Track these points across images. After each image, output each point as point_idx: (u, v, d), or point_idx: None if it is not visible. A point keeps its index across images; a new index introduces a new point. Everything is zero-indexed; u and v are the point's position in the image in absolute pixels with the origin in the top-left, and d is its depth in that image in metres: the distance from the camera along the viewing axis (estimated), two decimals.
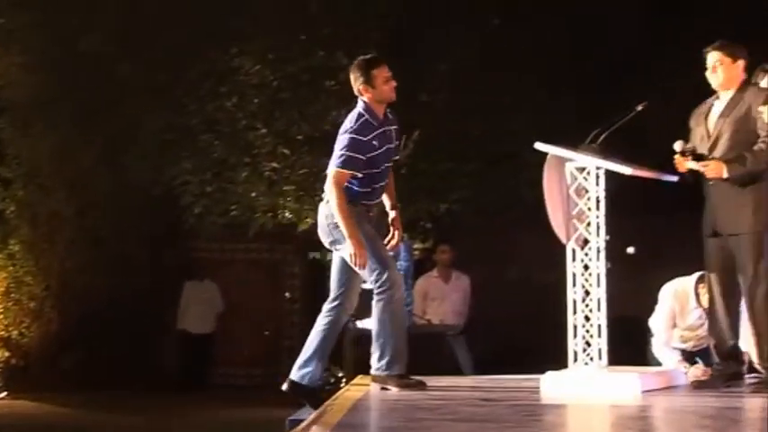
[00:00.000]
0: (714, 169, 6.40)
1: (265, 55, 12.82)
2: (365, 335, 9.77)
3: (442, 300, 11.19)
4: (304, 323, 14.82)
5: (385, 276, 6.67)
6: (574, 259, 6.79)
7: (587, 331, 6.73)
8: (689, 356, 7.77)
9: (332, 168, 6.69)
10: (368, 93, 6.75)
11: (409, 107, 13.03)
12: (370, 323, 9.84)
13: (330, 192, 6.66)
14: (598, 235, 6.73)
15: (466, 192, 13.08)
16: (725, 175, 6.36)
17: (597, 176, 6.71)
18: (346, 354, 10.65)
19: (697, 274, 7.50)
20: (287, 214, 13.22)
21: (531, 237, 9.16)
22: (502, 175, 12.79)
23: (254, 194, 13.09)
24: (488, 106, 12.84)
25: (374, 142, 6.69)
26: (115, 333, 14.99)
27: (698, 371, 7.36)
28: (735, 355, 6.55)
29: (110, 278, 15.19)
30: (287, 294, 16.32)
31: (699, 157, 6.49)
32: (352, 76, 6.85)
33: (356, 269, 6.74)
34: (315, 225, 13.36)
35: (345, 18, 12.44)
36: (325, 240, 6.91)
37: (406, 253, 11.01)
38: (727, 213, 6.41)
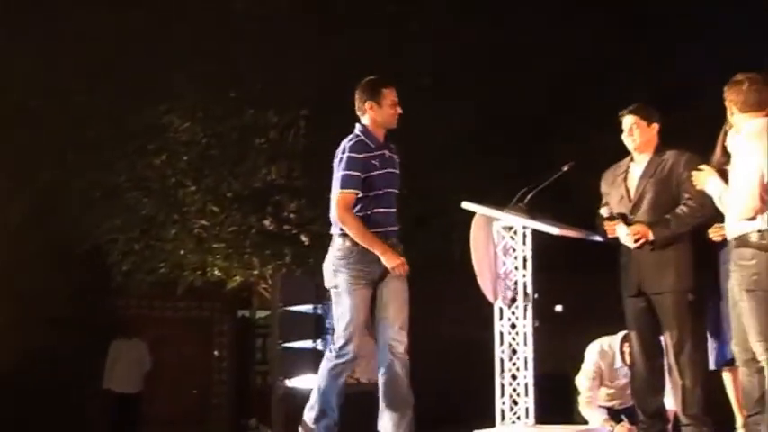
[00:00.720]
0: (642, 233, 6.46)
1: (195, 112, 12.80)
2: (293, 393, 9.76)
3: (370, 358, 11.14)
4: (232, 381, 14.74)
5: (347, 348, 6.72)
6: (501, 318, 6.83)
7: (514, 390, 6.76)
8: (615, 414, 7.82)
9: (335, 195, 6.37)
10: (372, 111, 6.47)
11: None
12: (298, 381, 9.85)
13: (342, 219, 6.33)
14: (525, 293, 6.79)
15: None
16: (651, 237, 6.44)
17: (524, 236, 6.78)
18: (274, 411, 10.59)
19: (622, 333, 7.56)
20: (216, 272, 13.16)
21: (460, 295, 9.20)
22: (430, 233, 12.84)
23: (182, 252, 13.01)
24: (416, 165, 12.91)
25: (374, 162, 6.38)
26: (43, 392, 14.75)
27: (623, 429, 7.43)
28: (659, 413, 6.60)
29: (37, 336, 14.98)
30: (215, 352, 16.20)
31: (625, 220, 6.58)
32: (358, 94, 6.57)
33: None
34: (243, 283, 13.48)
35: (274, 77, 12.46)
36: (327, 282, 6.60)
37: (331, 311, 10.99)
38: (650, 273, 6.48)
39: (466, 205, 6.84)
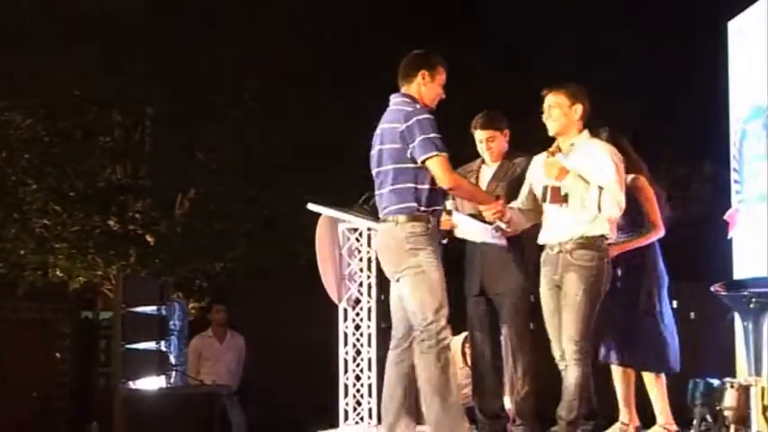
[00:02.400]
0: (501, 210, 6.37)
1: (37, 110, 12.52)
2: (137, 396, 9.62)
3: (216, 360, 11.08)
4: (74, 384, 14.44)
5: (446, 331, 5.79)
6: (345, 319, 6.87)
7: (358, 390, 6.81)
8: None
9: (434, 159, 5.65)
10: (423, 81, 5.88)
11: (186, 166, 13.02)
12: (142, 383, 9.71)
13: (453, 182, 5.75)
14: (370, 295, 6.84)
15: (241, 251, 13.09)
16: (507, 216, 6.34)
17: (369, 237, 6.83)
18: (116, 414, 10.41)
19: (464, 334, 7.68)
20: (58, 272, 12.91)
21: (307, 296, 9.21)
22: (278, 235, 12.84)
23: (22, 252, 12.72)
24: (265, 167, 12.91)
25: None
26: None
27: None
28: (498, 414, 6.69)
29: None
30: (57, 354, 15.84)
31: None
32: (412, 60, 5.96)
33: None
34: (87, 284, 13.23)
35: (121, 76, 12.28)
36: (397, 267, 5.78)
37: (180, 312, 10.89)
38: (492, 274, 6.56)
39: (311, 207, 6.85)
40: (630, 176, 6.36)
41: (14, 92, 12.41)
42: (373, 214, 6.77)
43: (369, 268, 6.85)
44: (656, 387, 6.53)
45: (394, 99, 5.93)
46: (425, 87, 5.91)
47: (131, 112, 12.85)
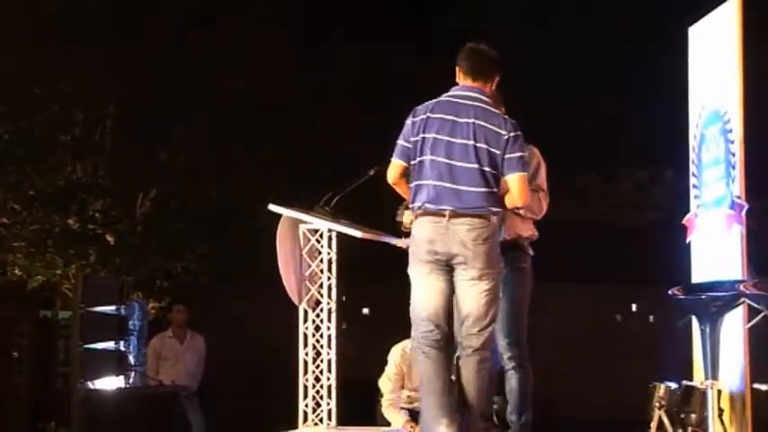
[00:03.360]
0: None
1: None
2: (95, 395, 9.58)
3: (176, 360, 11.04)
4: (32, 384, 14.35)
5: None
6: (305, 320, 6.87)
7: (317, 392, 6.81)
8: (416, 416, 7.94)
9: (521, 174, 5.63)
10: (495, 85, 5.83)
11: (148, 166, 12.97)
12: (100, 383, 9.67)
13: (530, 200, 5.80)
14: (330, 296, 6.84)
15: (201, 251, 13.07)
16: None
17: (330, 238, 6.83)
18: (74, 414, 10.37)
19: None
20: (16, 271, 12.83)
21: (267, 297, 9.20)
22: (239, 235, 12.83)
23: None
24: (226, 167, 12.90)
25: None
26: None
27: None
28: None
29: None
30: (15, 354, 15.73)
31: None
32: (494, 61, 5.82)
33: None
34: (46, 283, 13.16)
35: (83, 74, 12.21)
36: (485, 265, 5.58)
37: (140, 312, 10.86)
38: None
39: (273, 207, 6.85)
40: None
41: None
42: (334, 216, 6.79)
43: (329, 270, 6.85)
44: None
45: (477, 94, 5.73)
46: (494, 90, 5.85)
47: (92, 110, 12.79)
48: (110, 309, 10.01)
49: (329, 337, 6.85)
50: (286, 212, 6.86)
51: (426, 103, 5.72)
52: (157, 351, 11.00)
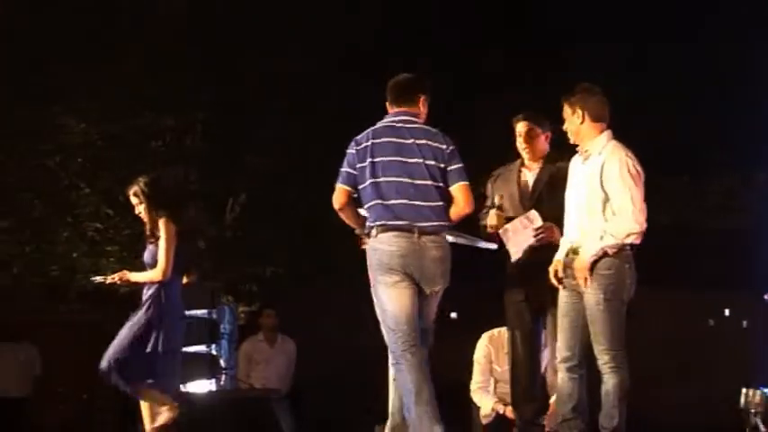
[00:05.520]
0: (548, 233, 6.49)
1: (90, 114, 12.63)
2: (187, 399, 9.68)
3: (267, 363, 11.14)
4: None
5: None
6: None
7: None
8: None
9: (466, 185, 6.09)
10: (424, 106, 6.30)
11: (236, 170, 13.09)
12: (192, 386, 9.78)
13: (472, 208, 6.14)
14: None
15: (288, 256, 13.13)
16: (556, 238, 6.44)
17: None
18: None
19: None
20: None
21: (352, 300, 9.22)
22: (323, 239, 12.85)
23: (75, 255, 12.84)
24: (310, 172, 12.94)
25: None
26: None
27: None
28: (534, 419, 6.65)
29: None
30: None
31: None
32: (414, 81, 6.30)
33: None
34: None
35: (172, 80, 12.36)
36: (443, 283, 6.11)
37: (230, 316, 10.96)
38: (538, 278, 6.51)
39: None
40: None
41: (68, 96, 12.54)
42: None
43: None
44: None
45: (409, 117, 6.13)
46: (424, 110, 6.23)
47: (183, 116, 12.92)
48: (201, 313, 10.11)
49: None
50: None
51: (365, 132, 6.09)
52: (248, 354, 11.11)
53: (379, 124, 6.14)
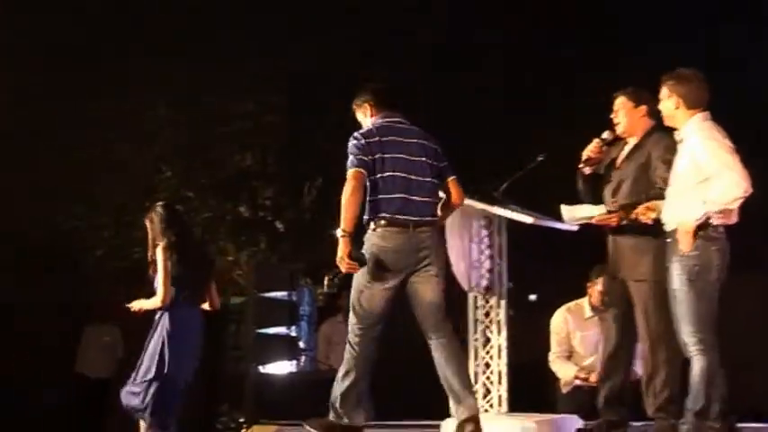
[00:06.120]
0: (605, 221, 6.43)
1: (170, 98, 12.76)
2: (267, 380, 9.77)
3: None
4: (205, 367, 14.67)
5: None
6: (476, 307, 6.87)
7: (488, 378, 6.80)
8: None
9: (456, 177, 6.41)
10: None
11: (313, 154, 13.15)
12: (272, 368, 9.86)
13: (462, 200, 6.44)
14: (500, 282, 6.82)
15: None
16: (613, 224, 6.40)
17: (499, 224, 6.81)
18: (246, 397, 10.58)
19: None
20: None
21: None
22: None
23: None
24: None
25: None
26: (17, 375, 14.68)
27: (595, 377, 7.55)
28: (622, 401, 6.56)
29: (11, 321, 14.89)
30: None
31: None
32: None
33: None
34: (218, 268, 13.44)
35: (251, 66, 12.44)
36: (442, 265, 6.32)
37: (309, 298, 11.02)
38: (628, 259, 6.45)
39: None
40: None
41: (148, 81, 12.68)
42: (503, 201, 6.77)
43: (499, 255, 6.83)
44: None
45: (402, 119, 6.41)
46: None
47: (263, 101, 13.00)
48: (281, 294, 10.18)
49: (499, 322, 6.83)
50: None
51: (370, 129, 6.30)
52: (328, 336, 11.16)
53: (377, 123, 6.35)
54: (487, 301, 6.86)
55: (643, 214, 6.10)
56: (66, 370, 14.92)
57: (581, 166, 6.58)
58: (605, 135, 6.53)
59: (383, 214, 6.12)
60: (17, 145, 13.14)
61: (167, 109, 12.86)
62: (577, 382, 8.11)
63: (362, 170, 6.12)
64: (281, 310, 10.14)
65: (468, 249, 6.86)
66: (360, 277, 6.24)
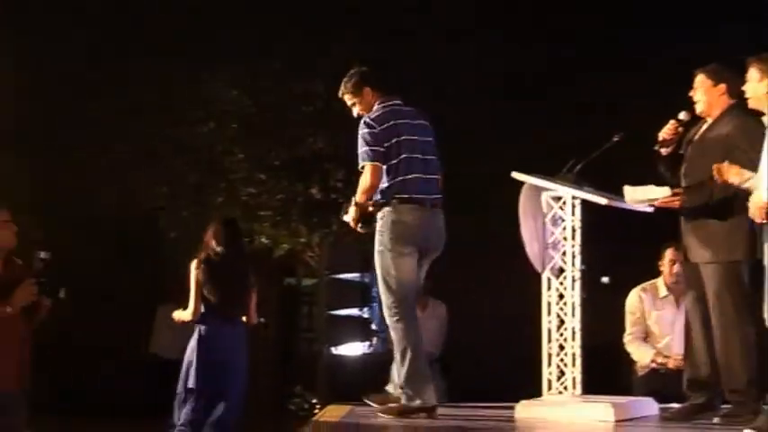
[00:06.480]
0: (667, 203, 6.37)
1: (243, 80, 12.82)
2: (339, 361, 9.81)
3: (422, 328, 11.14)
4: (278, 349, 14.81)
5: None
6: (549, 288, 6.83)
7: (561, 360, 6.77)
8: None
9: None
10: None
11: None
12: (344, 349, 9.90)
13: None
14: (573, 264, 6.78)
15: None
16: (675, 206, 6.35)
17: (573, 206, 6.76)
18: (319, 379, 10.66)
19: None
20: (263, 240, 13.22)
21: (500, 265, 9.19)
22: (474, 206, 12.81)
23: None
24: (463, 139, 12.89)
25: None
26: (84, 357, 14.88)
27: (674, 362, 7.48)
28: (707, 384, 6.48)
29: (80, 303, 15.08)
30: (261, 320, 16.23)
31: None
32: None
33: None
34: (290, 250, 13.54)
35: (323, 46, 12.46)
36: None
37: None
38: (696, 241, 6.37)
39: (515, 175, 6.82)
40: None
41: (220, 63, 12.76)
42: (577, 183, 6.72)
43: (573, 237, 6.78)
44: None
45: (400, 100, 6.74)
46: None
47: (336, 81, 12.99)
48: (353, 276, 10.21)
49: (573, 304, 6.79)
50: (529, 180, 6.82)
51: (384, 113, 6.56)
52: None
53: (385, 107, 6.62)
54: (561, 283, 6.81)
55: (728, 171, 5.94)
56: (141, 351, 15.13)
57: (657, 147, 6.51)
58: (681, 116, 6.45)
59: (403, 195, 6.44)
60: (94, 129, 13.33)
61: (239, 92, 12.91)
62: (654, 365, 8.04)
63: (379, 163, 6.43)
64: (354, 292, 10.19)
65: (543, 230, 6.82)
66: (383, 256, 6.50)
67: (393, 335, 6.64)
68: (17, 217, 6.79)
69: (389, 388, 6.86)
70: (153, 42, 12.78)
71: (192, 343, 8.05)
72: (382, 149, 6.46)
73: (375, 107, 6.66)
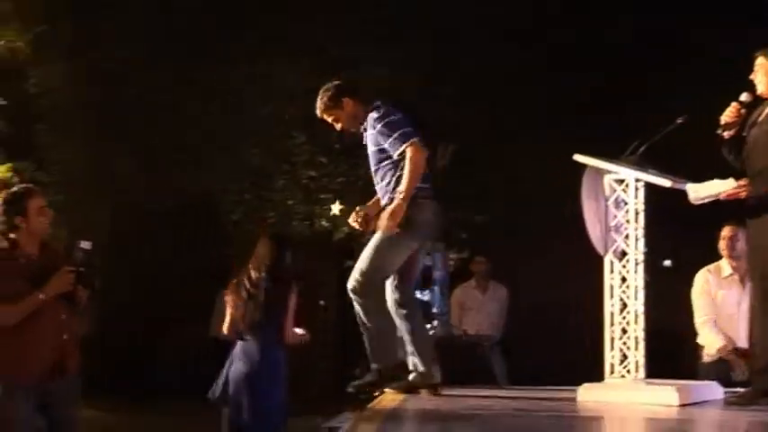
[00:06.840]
0: (732, 194, 6.30)
1: (304, 65, 12.86)
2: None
3: (479, 310, 11.17)
4: (337, 330, 14.87)
5: None
6: (612, 271, 6.79)
7: (624, 344, 6.72)
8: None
9: None
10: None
11: (445, 119, 13.12)
12: None
13: None
14: (636, 247, 6.73)
15: (498, 204, 13.13)
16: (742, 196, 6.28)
17: (636, 189, 6.71)
18: None
19: None
20: (323, 222, 13.27)
21: (564, 249, 9.16)
22: (532, 189, 12.79)
23: (291, 202, 13.15)
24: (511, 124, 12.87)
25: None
26: (148, 339, 15.04)
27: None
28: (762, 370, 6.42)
29: (144, 284, 15.25)
30: (321, 302, 16.33)
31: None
32: None
33: None
34: (350, 234, 13.59)
35: (388, 34, 12.48)
36: None
37: (442, 262, 11.04)
38: (758, 225, 6.32)
39: (578, 158, 6.78)
40: None
41: (281, 49, 12.81)
42: (640, 165, 6.66)
43: (635, 220, 6.73)
44: None
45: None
46: None
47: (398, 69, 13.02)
48: None
49: (636, 288, 6.74)
50: (591, 162, 6.78)
51: (387, 108, 6.64)
52: (460, 301, 11.17)
53: (379, 108, 6.66)
54: (624, 266, 6.77)
55: None
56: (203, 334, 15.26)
57: (719, 131, 6.44)
58: (743, 98, 6.37)
59: (420, 185, 6.56)
60: (159, 114, 13.43)
61: (298, 75, 12.96)
62: (721, 356, 7.96)
63: (418, 138, 6.53)
64: None
65: (605, 212, 6.78)
66: (390, 241, 6.54)
67: (356, 307, 6.82)
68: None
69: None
70: (220, 28, 12.87)
71: (230, 357, 8.29)
72: (413, 128, 6.51)
73: (371, 113, 6.68)
